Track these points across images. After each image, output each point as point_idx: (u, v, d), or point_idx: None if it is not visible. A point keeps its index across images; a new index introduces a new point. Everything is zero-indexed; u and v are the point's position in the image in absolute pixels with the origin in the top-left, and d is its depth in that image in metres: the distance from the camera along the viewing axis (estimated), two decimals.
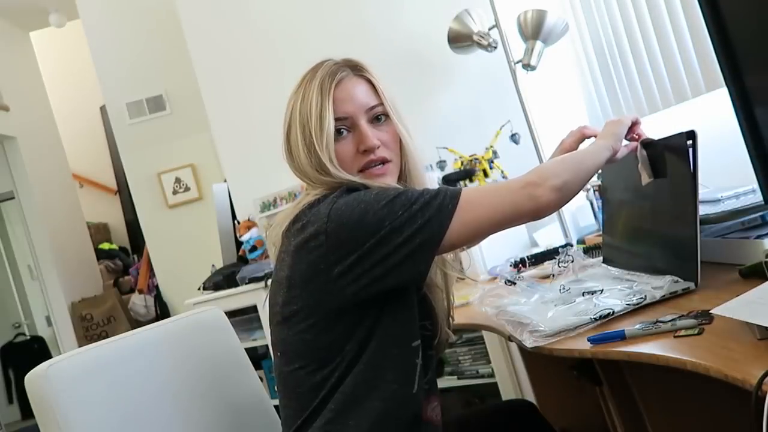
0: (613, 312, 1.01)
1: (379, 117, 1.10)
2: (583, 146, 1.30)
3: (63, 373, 1.02)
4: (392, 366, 0.98)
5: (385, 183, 1.06)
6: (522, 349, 1.35)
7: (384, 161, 1.07)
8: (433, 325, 1.10)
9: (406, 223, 0.93)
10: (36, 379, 1.01)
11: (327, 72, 1.11)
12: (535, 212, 0.99)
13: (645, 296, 1.03)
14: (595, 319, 1.01)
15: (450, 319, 1.17)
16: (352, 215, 0.94)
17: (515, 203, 0.98)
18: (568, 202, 1.02)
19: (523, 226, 2.50)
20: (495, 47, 2.40)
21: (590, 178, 1.07)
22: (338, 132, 1.06)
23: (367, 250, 0.93)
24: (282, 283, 1.02)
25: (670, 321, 0.89)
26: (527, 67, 2.31)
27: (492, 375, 2.19)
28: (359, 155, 1.06)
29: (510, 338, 1.15)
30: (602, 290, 1.15)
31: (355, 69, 1.15)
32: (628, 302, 1.03)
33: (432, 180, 2.47)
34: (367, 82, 1.13)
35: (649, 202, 1.21)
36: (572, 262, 1.37)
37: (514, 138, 2.46)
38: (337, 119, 1.06)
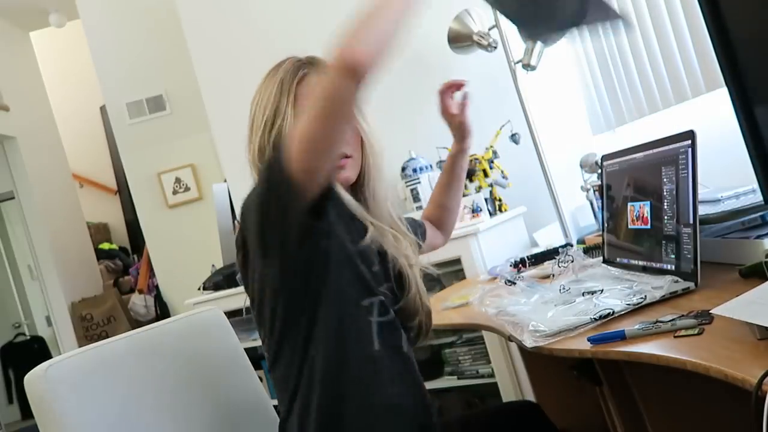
0: (613, 312, 1.01)
1: None
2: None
3: (62, 373, 1.02)
4: (347, 325, 1.03)
5: (343, 176, 1.11)
6: (522, 349, 1.35)
7: (344, 156, 1.11)
8: (399, 290, 1.12)
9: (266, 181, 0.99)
10: (35, 379, 1.00)
11: (289, 69, 1.14)
12: (351, 70, 0.89)
13: (645, 296, 1.03)
14: (595, 319, 1.01)
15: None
16: (248, 206, 1.03)
17: (325, 88, 0.91)
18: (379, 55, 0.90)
19: (523, 227, 2.51)
20: (495, 47, 2.40)
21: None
22: None
23: (261, 222, 0.99)
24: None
25: (670, 321, 0.89)
26: (527, 67, 2.30)
27: (492, 375, 2.19)
28: None
29: (510, 338, 1.15)
30: (602, 290, 1.15)
31: (318, 66, 1.16)
32: (628, 302, 1.03)
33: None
34: None
35: (650, 202, 1.21)
36: (572, 262, 1.37)
37: (514, 138, 2.46)
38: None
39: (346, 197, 1.09)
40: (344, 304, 1.03)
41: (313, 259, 1.02)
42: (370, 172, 1.14)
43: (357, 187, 1.16)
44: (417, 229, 1.38)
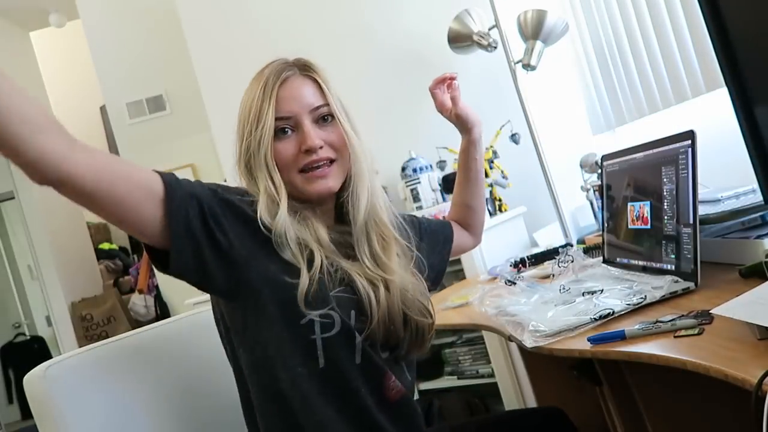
0: (613, 312, 1.01)
1: (325, 117, 1.09)
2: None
3: (62, 373, 1.02)
4: (284, 347, 0.98)
5: (324, 186, 1.05)
6: (522, 349, 1.35)
7: (330, 161, 1.07)
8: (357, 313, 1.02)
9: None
10: (34, 380, 1.00)
11: (273, 71, 1.12)
12: None
13: (645, 296, 1.03)
14: (594, 319, 1.01)
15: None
16: None
17: None
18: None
19: (523, 227, 2.51)
20: (495, 47, 2.40)
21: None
22: (282, 131, 1.06)
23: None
24: None
25: (670, 321, 0.89)
26: (527, 67, 2.31)
27: (492, 375, 2.19)
28: (301, 155, 1.05)
29: (510, 338, 1.15)
30: (602, 290, 1.15)
31: (303, 68, 1.14)
32: (628, 302, 1.03)
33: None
34: (313, 82, 1.13)
35: (650, 202, 1.21)
36: (572, 262, 1.37)
37: (514, 138, 2.46)
38: (280, 118, 1.05)
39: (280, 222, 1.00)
40: (276, 326, 0.98)
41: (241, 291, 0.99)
42: (356, 176, 1.09)
43: (339, 193, 1.11)
44: (441, 231, 1.34)
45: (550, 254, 1.77)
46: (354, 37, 2.81)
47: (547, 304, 1.18)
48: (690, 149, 1.05)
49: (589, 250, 1.62)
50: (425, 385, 2.36)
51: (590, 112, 2.59)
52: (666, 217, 1.13)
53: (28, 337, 5.47)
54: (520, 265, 1.77)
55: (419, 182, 2.44)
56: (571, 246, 1.74)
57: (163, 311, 4.09)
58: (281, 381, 0.98)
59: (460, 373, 2.29)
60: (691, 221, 1.04)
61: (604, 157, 1.45)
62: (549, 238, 2.27)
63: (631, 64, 2.26)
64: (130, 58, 3.90)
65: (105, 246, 5.71)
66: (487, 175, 2.42)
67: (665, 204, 1.14)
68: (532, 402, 1.88)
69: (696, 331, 0.84)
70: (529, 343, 1.03)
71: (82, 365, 1.06)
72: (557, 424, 1.22)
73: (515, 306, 1.24)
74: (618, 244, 1.36)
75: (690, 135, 1.05)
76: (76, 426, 1.00)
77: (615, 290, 1.13)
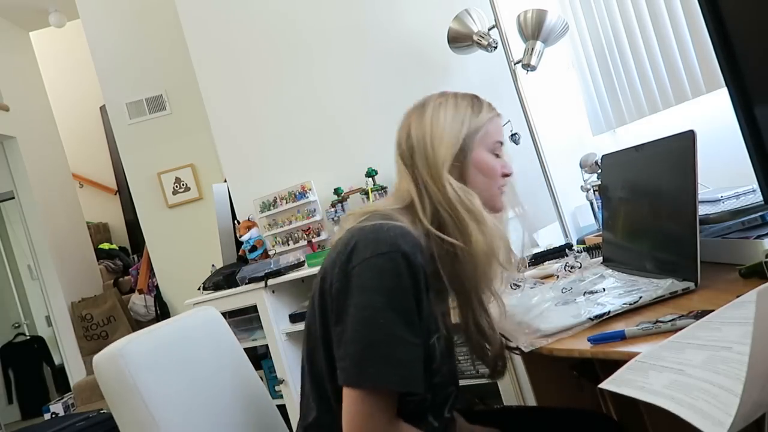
0: (609, 312, 1.01)
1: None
2: None
3: (139, 350, 1.08)
4: None
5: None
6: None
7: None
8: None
9: None
10: (112, 357, 1.04)
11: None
12: None
13: (644, 296, 1.03)
14: (592, 319, 1.01)
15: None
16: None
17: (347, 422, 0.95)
18: None
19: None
20: (495, 47, 2.40)
21: None
22: None
23: None
24: None
25: (670, 321, 0.89)
26: (527, 67, 2.31)
27: None
28: None
29: (509, 340, 1.15)
30: (602, 290, 1.15)
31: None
32: (626, 302, 1.03)
33: None
34: None
35: (650, 202, 1.21)
36: (580, 267, 1.38)
37: (514, 138, 2.46)
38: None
39: None
40: None
41: None
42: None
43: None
44: None
45: (550, 254, 1.77)
46: (354, 37, 2.81)
47: (547, 303, 1.18)
48: (690, 149, 1.05)
49: (589, 250, 1.62)
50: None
51: (590, 113, 2.59)
52: (666, 217, 1.13)
53: (28, 337, 5.47)
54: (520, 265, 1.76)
55: None
56: (580, 252, 1.72)
57: (163, 311, 4.09)
58: None
59: (460, 372, 2.29)
60: (691, 221, 1.04)
61: (604, 157, 1.45)
62: (549, 238, 2.27)
63: (631, 65, 2.26)
64: (130, 58, 3.90)
65: (105, 246, 5.71)
66: None
67: (665, 204, 1.14)
68: (531, 402, 1.87)
69: None
70: (525, 346, 1.03)
71: (154, 343, 1.12)
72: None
73: (515, 306, 1.24)
74: (618, 243, 1.36)
75: (690, 135, 1.05)
76: (155, 402, 1.04)
77: (615, 290, 1.13)
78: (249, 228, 2.76)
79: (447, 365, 1.09)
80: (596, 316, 1.01)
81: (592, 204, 2.12)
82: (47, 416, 4.10)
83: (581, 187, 2.16)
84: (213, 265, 2.92)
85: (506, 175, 1.17)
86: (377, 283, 0.95)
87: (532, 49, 2.30)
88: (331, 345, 1.00)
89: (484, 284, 1.10)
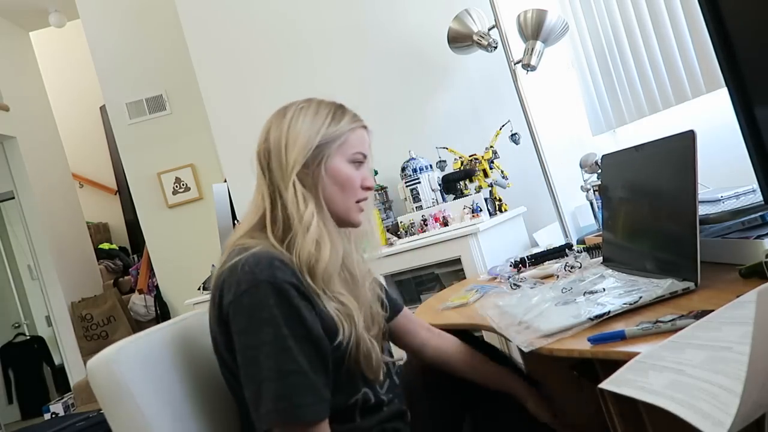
0: (609, 312, 1.01)
1: None
2: None
3: (132, 355, 1.07)
4: None
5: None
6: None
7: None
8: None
9: None
10: (105, 362, 1.03)
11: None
12: None
13: (644, 296, 1.03)
14: (592, 319, 1.01)
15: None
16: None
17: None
18: None
19: (523, 227, 2.51)
20: (495, 47, 2.40)
21: None
22: None
23: None
24: None
25: (670, 321, 0.89)
26: (527, 67, 2.31)
27: None
28: None
29: (509, 339, 1.15)
30: (602, 290, 1.15)
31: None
32: (626, 302, 1.03)
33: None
34: None
35: (650, 202, 1.21)
36: (580, 267, 1.38)
37: (514, 138, 2.46)
38: None
39: None
40: None
41: None
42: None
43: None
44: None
45: (550, 254, 1.77)
46: (354, 37, 2.81)
47: (547, 303, 1.18)
48: (690, 149, 1.05)
49: (589, 250, 1.62)
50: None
51: (590, 113, 2.59)
52: (666, 217, 1.13)
53: (28, 337, 5.47)
54: (520, 265, 1.77)
55: (419, 182, 2.44)
56: (580, 252, 1.73)
57: (163, 311, 4.09)
58: None
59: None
60: (691, 221, 1.04)
61: (604, 157, 1.45)
62: (549, 238, 2.27)
63: (631, 65, 2.26)
64: (130, 58, 3.90)
65: (105, 246, 5.71)
66: (487, 175, 2.42)
67: (665, 204, 1.14)
68: None
69: None
70: (525, 346, 1.03)
71: (148, 347, 1.11)
72: None
73: (515, 306, 1.24)
74: (618, 243, 1.36)
75: (690, 135, 1.05)
76: (150, 406, 1.03)
77: (615, 290, 1.13)
78: None
79: (364, 362, 1.07)
80: (596, 316, 1.01)
81: (592, 204, 2.12)
82: (47, 416, 4.10)
83: (581, 187, 2.17)
84: (213, 265, 2.92)
85: (367, 188, 1.15)
86: (246, 323, 0.96)
87: (532, 49, 2.30)
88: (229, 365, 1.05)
89: (330, 288, 1.06)
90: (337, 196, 1.11)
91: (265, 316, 0.95)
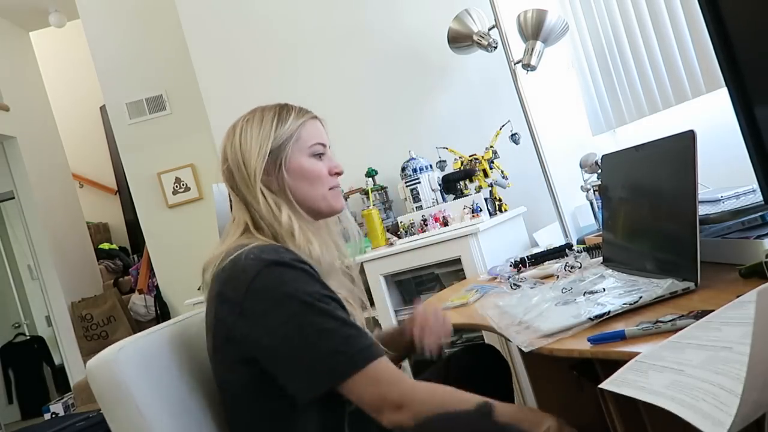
0: (609, 312, 1.01)
1: None
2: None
3: (132, 355, 1.07)
4: None
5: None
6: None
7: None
8: None
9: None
10: (105, 362, 1.03)
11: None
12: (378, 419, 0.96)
13: (644, 296, 1.03)
14: (592, 319, 1.01)
15: None
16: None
17: (368, 404, 0.96)
18: None
19: (523, 227, 2.51)
20: (495, 47, 2.40)
21: None
22: None
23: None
24: None
25: (670, 321, 0.89)
26: (527, 67, 2.31)
27: None
28: None
29: (508, 339, 1.15)
30: (602, 290, 1.15)
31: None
32: (626, 302, 1.03)
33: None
34: None
35: (650, 202, 1.21)
36: (580, 267, 1.37)
37: (514, 138, 2.46)
38: None
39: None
40: None
41: None
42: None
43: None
44: None
45: (550, 254, 1.77)
46: (354, 37, 2.81)
47: (547, 303, 1.18)
48: (690, 149, 1.05)
49: (589, 250, 1.62)
50: None
51: (590, 113, 2.59)
52: (666, 217, 1.13)
53: (28, 337, 5.47)
54: (520, 265, 1.76)
55: (419, 182, 2.44)
56: (580, 252, 1.73)
57: (163, 311, 4.09)
58: None
59: None
60: (691, 221, 1.04)
61: (604, 157, 1.45)
62: (549, 238, 2.27)
63: (631, 65, 2.26)
64: (130, 58, 3.90)
65: (105, 246, 5.71)
66: (487, 175, 2.42)
67: (665, 204, 1.14)
68: (532, 401, 1.87)
69: None
70: (525, 346, 1.03)
71: (148, 347, 1.11)
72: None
73: (515, 306, 1.24)
74: (618, 244, 1.36)
75: (690, 135, 1.05)
76: (149, 406, 1.03)
77: (615, 290, 1.13)
78: None
79: None
80: (596, 316, 1.01)
81: (592, 204, 2.12)
82: (47, 416, 4.10)
83: (581, 187, 2.17)
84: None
85: (337, 174, 1.17)
86: (267, 305, 0.96)
87: (532, 49, 2.30)
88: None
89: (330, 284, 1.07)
90: (308, 192, 1.13)
91: (283, 291, 0.95)
